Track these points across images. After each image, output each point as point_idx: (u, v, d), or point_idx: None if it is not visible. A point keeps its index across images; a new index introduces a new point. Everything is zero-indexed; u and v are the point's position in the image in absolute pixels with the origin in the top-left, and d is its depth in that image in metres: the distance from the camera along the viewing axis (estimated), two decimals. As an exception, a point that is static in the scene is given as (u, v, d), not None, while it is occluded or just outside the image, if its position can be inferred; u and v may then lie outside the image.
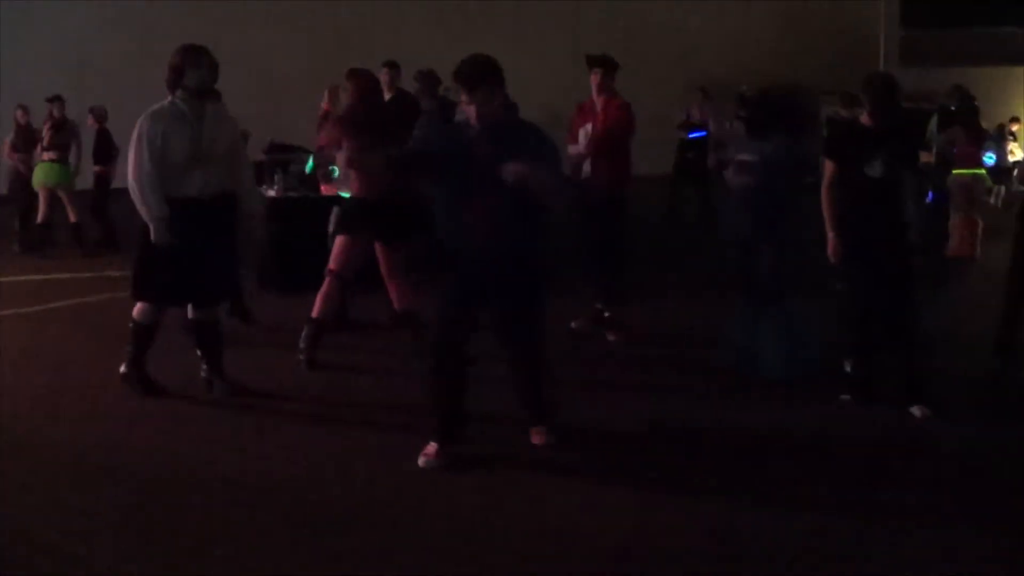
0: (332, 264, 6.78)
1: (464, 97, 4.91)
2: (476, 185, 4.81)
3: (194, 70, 5.75)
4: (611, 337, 7.58)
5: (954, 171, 11.72)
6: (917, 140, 6.11)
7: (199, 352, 6.21)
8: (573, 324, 7.75)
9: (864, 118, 5.96)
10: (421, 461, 4.95)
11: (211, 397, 6.08)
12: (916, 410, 5.74)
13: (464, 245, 4.95)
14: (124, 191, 11.52)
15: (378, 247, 6.82)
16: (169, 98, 5.83)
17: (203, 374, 6.20)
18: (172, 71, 5.78)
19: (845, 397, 5.99)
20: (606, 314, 7.68)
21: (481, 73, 4.88)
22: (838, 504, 4.59)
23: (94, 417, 5.81)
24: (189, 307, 6.11)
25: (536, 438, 5.24)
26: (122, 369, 6.16)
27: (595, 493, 4.72)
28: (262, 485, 4.80)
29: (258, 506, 4.56)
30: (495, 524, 4.36)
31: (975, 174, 11.85)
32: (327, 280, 6.78)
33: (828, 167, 6.00)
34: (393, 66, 9.46)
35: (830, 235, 5.94)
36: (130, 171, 5.73)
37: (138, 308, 6.06)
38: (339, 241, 6.82)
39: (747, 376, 6.45)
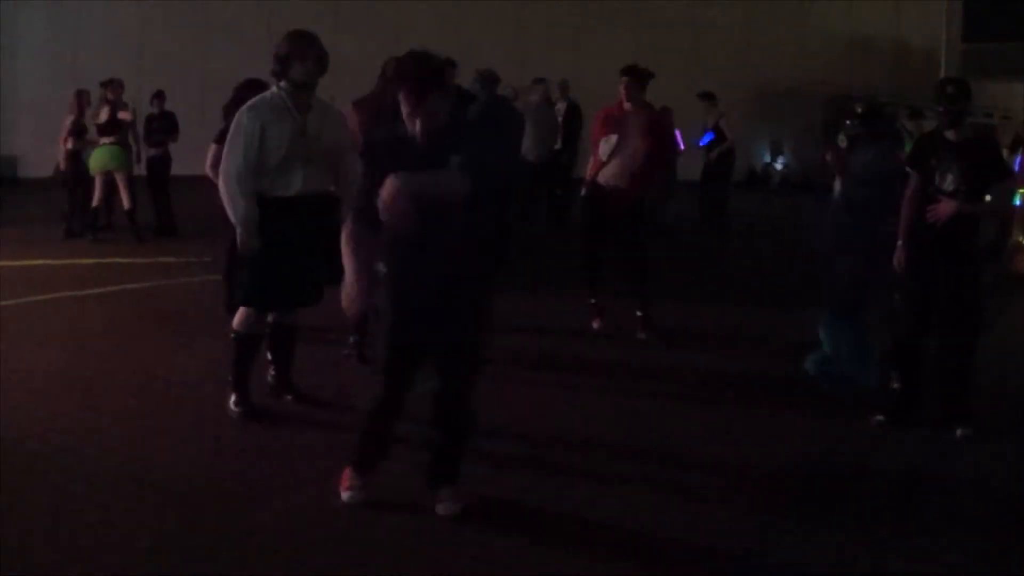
0: None
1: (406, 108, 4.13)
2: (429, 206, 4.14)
3: (301, 62, 5.28)
4: (642, 335, 7.65)
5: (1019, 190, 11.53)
6: (996, 155, 5.88)
7: (269, 356, 5.86)
8: (595, 324, 7.82)
9: (948, 131, 5.71)
10: (345, 496, 4.48)
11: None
12: (959, 430, 5.65)
13: (416, 274, 4.26)
14: (183, 177, 11.67)
15: None
16: (273, 88, 5.45)
17: (270, 379, 5.88)
18: (278, 60, 5.32)
19: (879, 418, 5.85)
20: (639, 313, 7.73)
21: (428, 77, 4.11)
22: (863, 539, 4.39)
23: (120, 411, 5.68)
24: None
25: (443, 507, 4.41)
26: (231, 401, 5.57)
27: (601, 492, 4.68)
28: (285, 494, 4.64)
29: (274, 514, 4.44)
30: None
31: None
32: None
33: (912, 178, 5.86)
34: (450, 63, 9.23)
35: (899, 244, 5.82)
36: (222, 167, 5.35)
37: (238, 317, 5.58)
38: None
39: (819, 387, 6.26)
